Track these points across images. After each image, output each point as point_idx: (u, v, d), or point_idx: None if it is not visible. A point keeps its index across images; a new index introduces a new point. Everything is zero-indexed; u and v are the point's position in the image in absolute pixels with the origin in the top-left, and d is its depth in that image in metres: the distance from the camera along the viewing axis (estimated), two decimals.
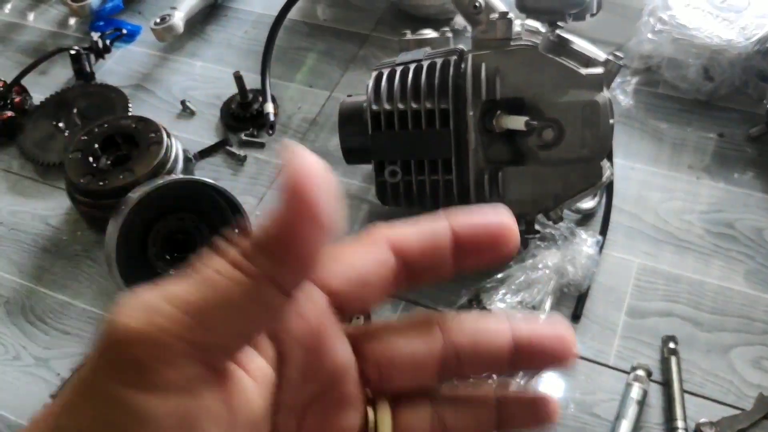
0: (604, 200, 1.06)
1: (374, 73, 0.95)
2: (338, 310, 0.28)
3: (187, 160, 1.12)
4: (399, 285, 0.29)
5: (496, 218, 0.28)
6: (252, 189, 1.15)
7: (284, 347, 0.27)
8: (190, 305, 0.23)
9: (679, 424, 0.84)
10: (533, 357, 0.29)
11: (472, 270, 0.28)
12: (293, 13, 1.44)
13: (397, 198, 0.96)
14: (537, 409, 0.30)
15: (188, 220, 1.00)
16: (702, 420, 0.85)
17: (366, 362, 0.29)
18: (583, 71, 0.88)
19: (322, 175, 0.24)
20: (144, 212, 0.97)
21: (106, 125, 1.10)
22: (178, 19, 1.35)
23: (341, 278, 0.28)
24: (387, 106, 0.92)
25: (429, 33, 1.05)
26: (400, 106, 0.91)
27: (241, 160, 1.18)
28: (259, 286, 0.24)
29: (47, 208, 1.16)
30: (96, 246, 1.09)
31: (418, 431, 0.29)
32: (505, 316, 0.29)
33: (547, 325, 0.29)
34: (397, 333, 0.29)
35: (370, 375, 0.29)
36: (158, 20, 1.34)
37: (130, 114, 1.25)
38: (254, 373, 0.26)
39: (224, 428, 0.24)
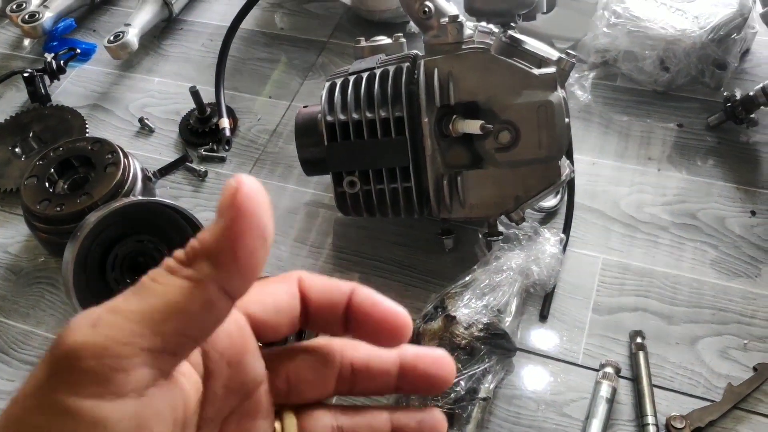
0: (566, 197, 1.06)
1: (327, 84, 0.94)
2: (255, 333, 0.31)
3: (146, 179, 1.10)
4: (302, 324, 0.32)
5: (394, 308, 0.32)
6: (214, 204, 1.14)
7: (211, 363, 0.29)
8: (136, 314, 0.25)
9: (650, 419, 0.84)
10: (416, 379, 0.32)
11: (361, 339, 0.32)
12: (250, 24, 1.44)
13: (357, 208, 0.95)
14: (425, 422, 0.33)
15: (148, 241, 0.98)
16: (672, 414, 0.85)
17: (277, 377, 0.32)
18: (536, 72, 0.88)
19: (262, 192, 0.26)
20: (101, 236, 0.95)
21: (61, 149, 1.08)
22: (132, 35, 1.33)
23: (259, 305, 0.31)
24: (341, 117, 0.91)
25: (383, 39, 1.04)
26: (355, 116, 0.90)
27: (201, 176, 1.17)
28: (205, 290, 0.25)
29: (5, 235, 1.14)
30: (57, 272, 1.07)
31: None
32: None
33: (430, 352, 0.32)
34: (304, 353, 0.32)
35: (279, 388, 0.32)
36: (112, 38, 1.32)
37: (87, 135, 1.24)
38: (189, 381, 0.28)
39: (170, 430, 0.26)
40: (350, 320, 0.31)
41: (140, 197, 1.03)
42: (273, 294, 0.31)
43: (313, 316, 0.32)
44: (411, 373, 0.32)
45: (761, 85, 1.08)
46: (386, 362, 0.32)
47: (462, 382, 0.82)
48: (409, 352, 0.32)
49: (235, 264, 0.26)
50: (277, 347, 0.32)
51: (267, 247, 0.27)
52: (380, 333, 0.31)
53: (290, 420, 0.32)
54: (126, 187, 1.04)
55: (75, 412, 0.23)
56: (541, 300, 0.97)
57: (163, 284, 0.26)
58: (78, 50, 1.39)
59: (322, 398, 0.33)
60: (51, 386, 0.24)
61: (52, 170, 1.06)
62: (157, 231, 0.98)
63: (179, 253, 0.27)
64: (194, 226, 0.98)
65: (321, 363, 0.32)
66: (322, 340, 0.33)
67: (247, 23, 1.40)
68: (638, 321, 0.94)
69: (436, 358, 0.32)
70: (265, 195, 0.27)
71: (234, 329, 0.30)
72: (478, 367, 0.84)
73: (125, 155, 1.07)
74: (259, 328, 0.31)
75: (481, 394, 0.84)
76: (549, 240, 0.96)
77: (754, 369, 0.89)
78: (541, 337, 0.95)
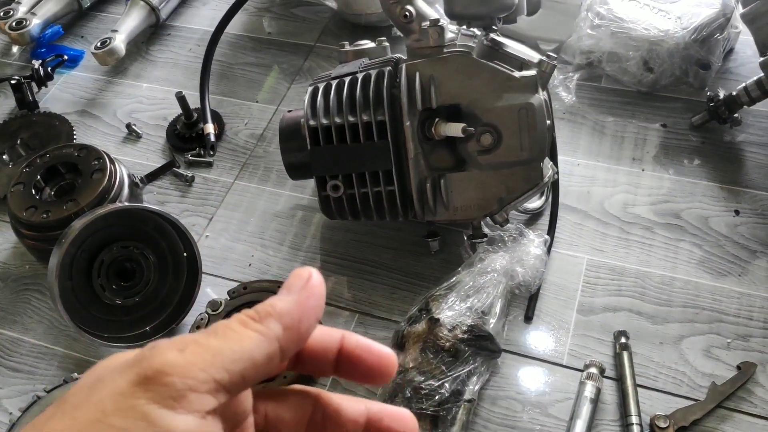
0: (551, 199, 1.06)
1: (310, 88, 0.95)
2: None
3: (133, 184, 1.11)
4: (291, 365, 0.35)
5: (383, 350, 0.35)
6: (201, 209, 1.14)
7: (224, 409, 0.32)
8: (215, 350, 0.29)
9: (634, 419, 0.85)
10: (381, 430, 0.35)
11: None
12: (238, 28, 1.44)
13: (341, 212, 0.96)
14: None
15: (134, 247, 0.98)
16: (656, 413, 0.86)
17: (257, 413, 0.34)
18: (517, 74, 0.88)
19: (324, 286, 0.33)
20: (87, 242, 0.95)
21: (48, 155, 1.08)
22: (120, 41, 1.33)
23: None
24: (324, 121, 0.91)
25: (366, 43, 1.05)
26: (337, 120, 0.91)
27: (188, 181, 1.17)
28: (271, 344, 0.30)
29: None
30: (45, 279, 1.07)
31: None
32: (363, 401, 0.36)
33: (395, 410, 0.35)
34: (283, 394, 0.36)
35: (258, 423, 0.34)
36: (99, 44, 1.32)
37: (75, 142, 1.24)
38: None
39: None
40: (342, 363, 0.35)
41: (126, 203, 1.03)
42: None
43: (306, 359, 0.35)
44: (376, 426, 0.35)
45: (744, 84, 1.08)
46: (355, 412, 0.35)
47: (446, 384, 0.83)
48: (375, 406, 0.35)
49: (298, 331, 0.31)
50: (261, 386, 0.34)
51: (315, 327, 0.33)
52: (371, 373, 0.35)
53: None
54: (112, 193, 1.04)
55: (152, 418, 0.27)
56: (526, 301, 0.98)
57: (237, 332, 0.30)
58: (65, 57, 1.39)
59: None
60: (133, 394, 0.27)
61: (39, 177, 1.06)
62: (143, 237, 0.99)
63: (251, 312, 0.31)
64: (180, 232, 0.98)
65: (297, 405, 0.35)
66: (298, 387, 0.36)
67: (234, 28, 1.41)
68: (622, 321, 0.95)
69: (400, 416, 0.35)
70: (324, 290, 0.33)
71: None
72: (463, 369, 0.84)
73: (112, 161, 1.07)
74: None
75: (466, 396, 0.84)
76: (533, 241, 0.97)
77: (738, 368, 0.90)
78: (526, 338, 0.95)
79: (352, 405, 0.35)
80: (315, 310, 0.32)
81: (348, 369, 0.35)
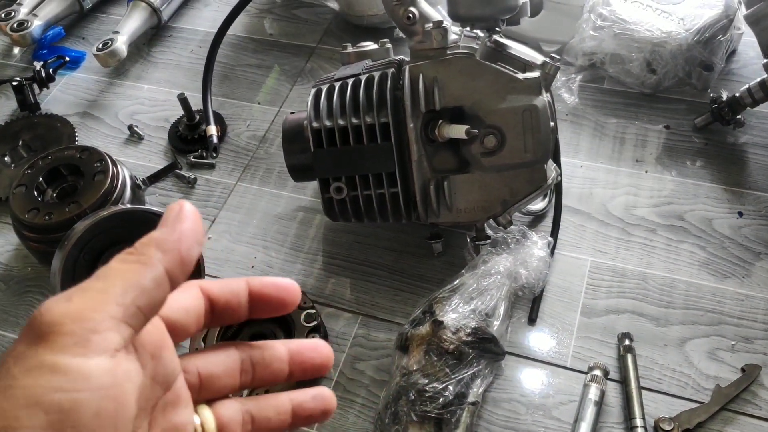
0: (554, 200, 1.06)
1: (313, 90, 0.94)
2: (169, 332, 0.36)
3: (135, 186, 1.10)
4: (208, 320, 0.37)
5: (283, 281, 0.38)
6: (203, 211, 1.14)
7: (140, 356, 0.33)
8: (101, 290, 0.30)
9: (638, 422, 0.84)
10: (303, 364, 0.39)
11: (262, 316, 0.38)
12: (240, 30, 1.44)
13: (345, 214, 0.96)
14: (318, 396, 0.40)
15: None
16: (661, 416, 0.85)
17: (189, 374, 0.37)
18: (521, 76, 0.88)
19: (198, 213, 0.34)
20: (90, 245, 0.95)
21: (50, 157, 1.08)
22: (121, 43, 1.33)
23: (168, 309, 0.36)
24: (327, 123, 0.91)
25: (369, 45, 1.05)
26: (341, 122, 0.91)
27: (190, 183, 1.17)
28: (154, 269, 0.31)
29: None
30: (47, 281, 1.07)
31: (233, 423, 0.37)
32: (282, 341, 0.40)
33: (310, 341, 0.40)
34: (211, 351, 0.38)
35: (191, 383, 0.37)
36: (101, 45, 1.32)
37: (76, 143, 1.24)
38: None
39: (138, 388, 0.31)
40: (253, 305, 0.38)
41: (129, 205, 1.03)
42: (179, 299, 0.36)
43: (219, 311, 0.37)
44: (298, 359, 0.39)
45: (747, 86, 1.08)
46: (278, 351, 0.39)
47: (450, 387, 0.83)
48: (293, 343, 0.39)
49: (179, 252, 0.32)
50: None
51: (199, 249, 0.34)
52: (281, 304, 0.38)
53: (206, 411, 0.37)
54: (115, 195, 1.04)
55: (62, 367, 0.27)
56: (529, 303, 0.97)
57: (119, 268, 0.31)
58: (67, 58, 1.39)
59: (230, 391, 0.38)
60: (36, 352, 0.28)
61: (41, 179, 1.06)
62: None
63: (129, 248, 0.32)
64: None
65: (225, 357, 0.38)
66: (223, 343, 0.39)
67: (236, 29, 1.41)
68: (626, 323, 0.95)
69: (315, 345, 0.40)
70: (200, 217, 0.34)
71: (152, 328, 0.34)
72: (467, 372, 0.84)
73: (114, 163, 1.07)
74: (172, 328, 0.36)
75: (470, 399, 0.84)
76: (537, 243, 0.96)
77: (742, 370, 0.89)
78: (529, 340, 0.95)
79: (274, 345, 0.39)
80: (192, 231, 0.33)
81: (260, 308, 0.38)
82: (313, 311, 0.92)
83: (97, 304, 0.29)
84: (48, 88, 1.35)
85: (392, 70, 0.92)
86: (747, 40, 1.23)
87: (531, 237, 0.97)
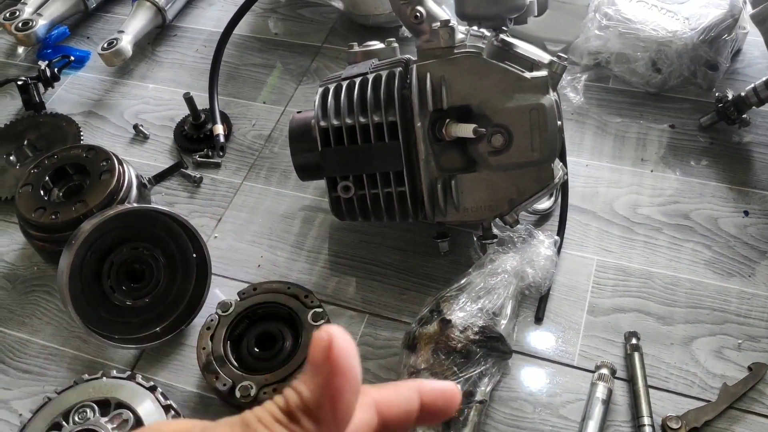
0: (560, 199, 1.06)
1: (320, 89, 0.94)
2: None
3: (141, 185, 1.10)
4: None
5: (449, 389, 0.34)
6: (209, 210, 1.14)
7: None
8: None
9: (645, 420, 0.84)
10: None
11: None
12: (245, 29, 1.44)
13: (352, 213, 0.96)
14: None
15: (143, 249, 0.98)
16: (668, 414, 0.85)
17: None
18: (528, 75, 0.88)
19: (352, 345, 0.28)
20: (97, 244, 0.95)
21: (56, 156, 1.08)
22: (126, 42, 1.33)
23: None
24: (335, 122, 0.91)
25: (375, 44, 1.05)
26: (348, 121, 0.91)
27: (196, 182, 1.17)
28: None
29: (1, 244, 1.14)
30: (53, 280, 1.07)
31: None
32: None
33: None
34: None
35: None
36: (106, 45, 1.32)
37: (81, 143, 1.24)
38: None
39: None
40: (421, 416, 0.33)
41: (135, 204, 1.03)
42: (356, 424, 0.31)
43: (389, 428, 0.32)
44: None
45: (752, 85, 1.08)
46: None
47: (458, 386, 0.83)
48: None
49: (335, 420, 0.28)
50: None
51: (358, 397, 0.29)
52: (446, 413, 0.34)
53: None
54: (121, 195, 1.04)
55: None
56: (536, 302, 0.98)
57: None
58: (72, 57, 1.39)
59: None
60: None
61: (47, 178, 1.06)
62: (152, 238, 0.99)
63: (281, 401, 0.28)
64: (190, 233, 0.98)
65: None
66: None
67: (241, 29, 1.41)
68: (633, 322, 0.95)
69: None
70: (354, 347, 0.28)
71: None
72: (474, 370, 0.84)
73: (120, 162, 1.07)
74: None
75: (478, 397, 0.84)
76: (543, 242, 0.97)
77: (749, 368, 0.89)
78: (536, 339, 0.95)
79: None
80: (349, 388, 0.28)
81: (425, 418, 0.33)
82: (320, 310, 0.92)
83: None
84: (53, 87, 1.35)
85: (400, 69, 0.92)
86: (752, 40, 1.23)
87: (537, 236, 0.97)
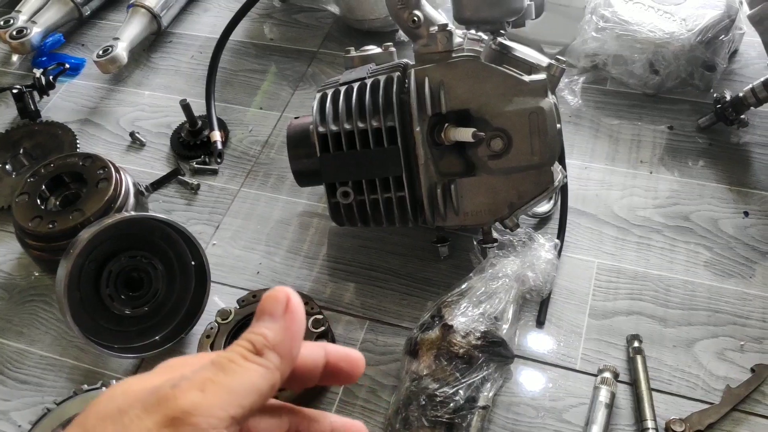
0: (560, 202, 1.06)
1: (318, 95, 0.94)
2: None
3: (138, 193, 1.10)
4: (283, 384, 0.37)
5: (354, 355, 0.40)
6: (207, 217, 1.14)
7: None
8: (228, 387, 0.32)
9: (649, 424, 0.84)
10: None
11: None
12: (240, 35, 1.44)
13: (351, 218, 0.95)
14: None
15: (142, 257, 0.97)
16: (672, 417, 0.85)
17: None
18: (527, 78, 0.88)
19: (301, 303, 0.36)
20: (95, 253, 0.94)
21: (52, 165, 1.08)
22: (121, 49, 1.33)
23: None
24: (333, 128, 0.91)
25: (372, 49, 1.04)
26: (347, 126, 0.90)
27: (194, 189, 1.17)
28: (273, 375, 0.34)
29: None
30: (51, 290, 1.06)
31: None
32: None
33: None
34: (264, 417, 0.38)
35: None
36: (101, 52, 1.32)
37: (78, 151, 1.23)
38: None
39: None
40: (325, 374, 0.39)
41: (133, 213, 1.02)
42: None
43: (297, 377, 0.38)
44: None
45: (750, 86, 1.08)
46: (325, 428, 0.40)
47: (461, 391, 0.82)
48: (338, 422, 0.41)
49: (290, 357, 0.35)
50: None
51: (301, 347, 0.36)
52: (349, 378, 0.40)
53: None
54: (118, 203, 1.04)
55: None
56: (537, 306, 0.97)
57: (243, 367, 0.33)
58: (67, 65, 1.38)
59: None
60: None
61: (44, 187, 1.06)
62: (150, 246, 0.98)
63: (247, 343, 0.34)
64: (188, 241, 0.97)
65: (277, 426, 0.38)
66: (276, 406, 0.39)
67: (236, 35, 1.40)
68: (635, 324, 0.95)
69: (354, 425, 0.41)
70: (301, 302, 0.36)
71: None
72: (477, 376, 0.84)
73: (117, 170, 1.06)
74: None
75: (480, 403, 0.84)
76: (544, 246, 0.96)
77: (752, 370, 0.89)
78: (538, 343, 0.94)
79: (324, 420, 0.40)
80: (300, 333, 0.35)
81: (329, 378, 0.39)
82: (320, 317, 0.91)
83: (225, 403, 0.31)
84: (48, 95, 1.34)
85: (398, 73, 0.92)
86: (748, 40, 1.23)
87: (538, 239, 0.97)
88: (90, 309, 0.94)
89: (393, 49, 1.04)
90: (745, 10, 1.09)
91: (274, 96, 1.32)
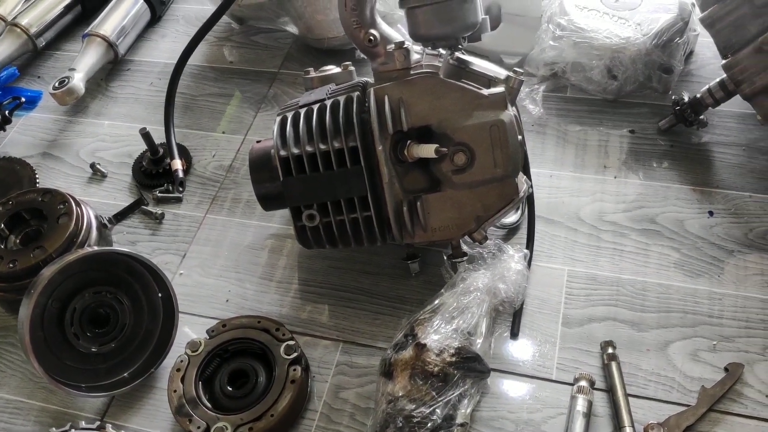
0: (527, 212, 1.06)
1: (278, 118, 0.93)
2: None
3: (101, 226, 1.08)
4: None
5: None
6: (173, 246, 1.12)
7: None
8: None
9: (628, 430, 0.84)
10: None
11: None
12: (200, 60, 1.42)
13: (319, 241, 0.94)
14: None
15: (107, 292, 0.96)
16: (650, 422, 0.85)
17: None
18: (485, 92, 0.88)
19: None
20: (58, 291, 0.92)
21: (11, 202, 1.05)
22: (78, 80, 1.31)
23: None
24: (295, 151, 0.90)
25: (332, 68, 1.04)
26: (309, 148, 0.89)
27: (158, 218, 1.15)
28: None
29: None
30: (15, 330, 1.03)
31: None
32: None
33: None
34: None
35: None
36: (57, 84, 1.30)
37: (37, 186, 1.21)
38: None
39: None
40: None
41: (96, 247, 1.00)
42: None
43: None
44: None
45: (707, 86, 1.10)
46: None
47: (438, 410, 0.81)
48: None
49: None
50: None
51: None
52: None
53: None
54: (80, 237, 1.01)
55: None
56: (510, 318, 0.97)
57: None
58: (23, 99, 1.36)
59: None
60: None
61: (3, 225, 1.03)
62: (115, 280, 0.96)
63: None
64: (153, 272, 0.95)
65: None
66: None
67: (195, 59, 1.39)
68: (608, 330, 0.95)
69: None
70: None
71: None
72: (453, 393, 0.83)
73: (78, 204, 1.04)
74: None
75: (459, 420, 0.83)
76: (513, 257, 0.96)
77: (726, 369, 0.90)
78: (514, 355, 0.94)
79: None
80: None
81: None
82: (292, 342, 0.90)
83: None
84: (4, 130, 1.32)
85: (357, 93, 0.91)
86: (703, 41, 1.24)
87: (507, 251, 0.97)
88: (55, 349, 0.92)
89: (352, 68, 1.03)
90: (698, 13, 1.11)
91: (236, 119, 1.31)
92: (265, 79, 1.37)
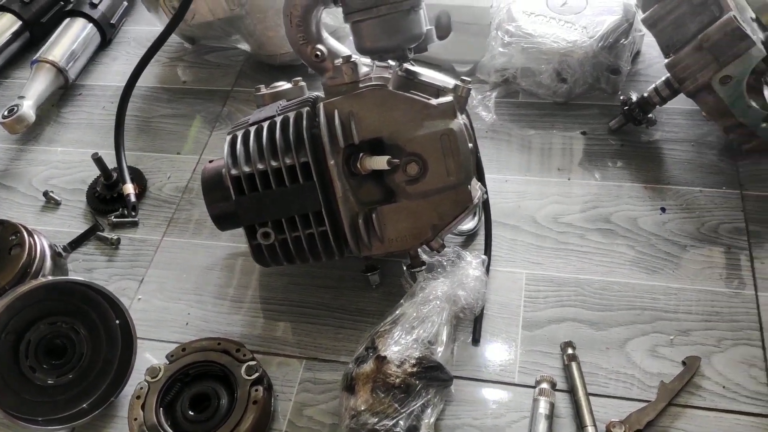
0: (483, 218, 1.07)
1: (229, 137, 0.93)
2: None
3: (56, 255, 1.06)
4: None
5: None
6: (130, 272, 1.10)
7: None
8: None
9: (590, 430, 0.85)
10: None
11: None
12: (152, 81, 1.41)
13: (275, 258, 0.94)
14: None
15: (62, 322, 0.94)
16: (611, 420, 0.86)
17: None
18: (434, 102, 0.88)
19: None
20: (11, 324, 0.90)
21: None
22: (28, 107, 1.29)
23: None
24: (246, 169, 0.89)
25: (282, 85, 1.04)
26: (260, 166, 0.89)
27: (114, 244, 1.13)
28: None
29: None
30: None
31: None
32: None
33: None
34: None
35: None
36: (6, 112, 1.28)
37: None
38: None
39: None
40: None
41: (49, 277, 0.99)
42: None
43: None
44: None
45: (654, 85, 1.12)
46: None
47: (401, 422, 0.81)
48: None
49: None
50: None
51: None
52: None
53: None
54: (34, 268, 1.00)
55: None
56: (471, 324, 0.97)
57: None
58: None
59: None
60: None
61: None
62: (71, 310, 0.94)
63: None
64: (109, 300, 0.94)
65: None
66: None
67: (148, 80, 1.38)
68: (568, 331, 0.96)
69: None
70: None
71: None
72: (416, 403, 0.83)
73: (30, 234, 1.03)
74: None
75: (423, 430, 0.83)
76: (471, 263, 0.97)
77: (683, 363, 0.91)
78: (476, 361, 0.94)
79: None
80: None
81: None
82: (253, 363, 0.89)
83: None
84: None
85: (307, 108, 0.91)
86: (649, 41, 1.26)
87: (465, 257, 0.98)
88: (11, 383, 0.90)
89: (303, 83, 1.03)
90: (641, 14, 1.13)
91: (192, 139, 1.30)
92: (219, 97, 1.36)
